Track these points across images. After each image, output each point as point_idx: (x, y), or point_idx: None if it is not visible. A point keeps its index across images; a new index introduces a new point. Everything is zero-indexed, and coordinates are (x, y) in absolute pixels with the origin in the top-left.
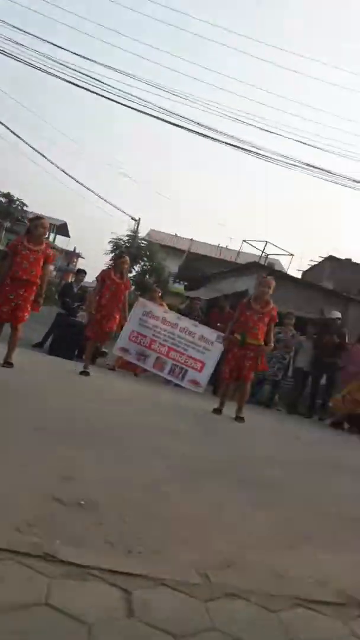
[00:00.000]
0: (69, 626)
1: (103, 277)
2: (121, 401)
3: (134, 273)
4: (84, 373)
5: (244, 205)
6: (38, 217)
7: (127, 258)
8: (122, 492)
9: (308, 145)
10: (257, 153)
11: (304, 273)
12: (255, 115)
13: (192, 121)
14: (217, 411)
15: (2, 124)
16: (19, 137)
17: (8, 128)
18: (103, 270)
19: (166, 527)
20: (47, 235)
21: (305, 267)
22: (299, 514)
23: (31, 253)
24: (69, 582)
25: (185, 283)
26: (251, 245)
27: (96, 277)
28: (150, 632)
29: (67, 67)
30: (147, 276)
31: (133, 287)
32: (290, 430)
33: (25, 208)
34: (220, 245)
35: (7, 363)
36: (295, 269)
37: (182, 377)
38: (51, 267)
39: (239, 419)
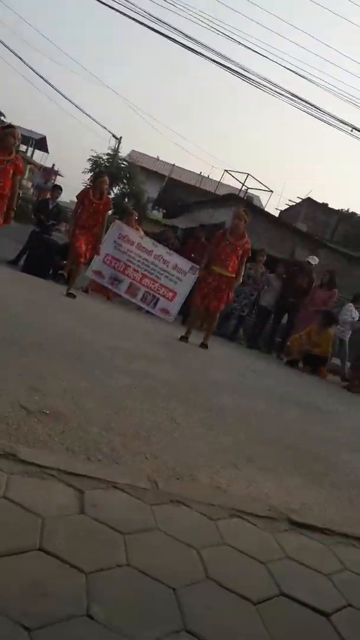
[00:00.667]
0: (24, 518)
1: (82, 197)
2: (92, 323)
3: (112, 195)
4: (70, 295)
5: (230, 133)
6: (9, 126)
7: (107, 178)
8: (85, 404)
9: (293, 72)
10: (243, 75)
11: (281, 212)
12: (246, 34)
13: (185, 35)
14: (184, 339)
15: None
16: None
17: None
18: (82, 190)
19: (124, 439)
20: (17, 145)
21: (283, 207)
22: (245, 438)
23: (0, 163)
24: (28, 479)
25: (164, 210)
26: (232, 176)
27: (76, 196)
28: (99, 527)
29: None
30: (126, 199)
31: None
32: (248, 363)
33: (2, 118)
34: (202, 173)
35: None
36: (273, 207)
37: (154, 305)
38: (21, 179)
39: (203, 345)
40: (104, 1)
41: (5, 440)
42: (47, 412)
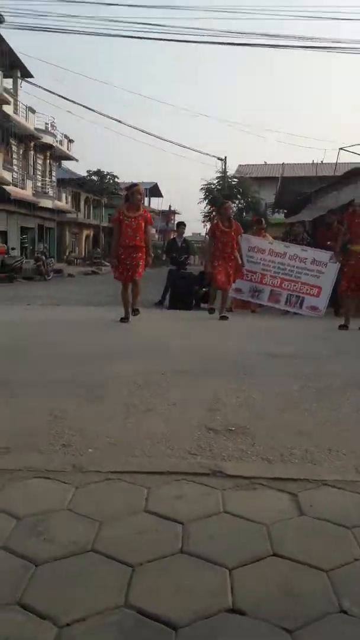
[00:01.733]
0: (250, 528)
1: (213, 231)
2: (247, 336)
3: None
4: (223, 318)
5: (332, 112)
6: (132, 185)
7: (230, 203)
8: (265, 414)
9: None
10: (333, 48)
11: None
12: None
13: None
14: (343, 327)
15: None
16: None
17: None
18: (211, 225)
19: (313, 439)
20: (143, 201)
21: None
22: None
23: (133, 220)
24: (240, 492)
25: (285, 211)
26: (349, 151)
27: (206, 234)
28: (323, 525)
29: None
30: (244, 213)
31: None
32: None
33: (116, 180)
34: (315, 161)
35: (135, 310)
36: None
37: (300, 305)
38: (152, 230)
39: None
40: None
41: (209, 460)
42: (233, 428)
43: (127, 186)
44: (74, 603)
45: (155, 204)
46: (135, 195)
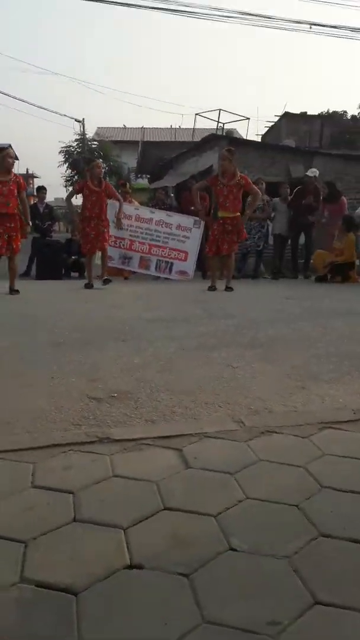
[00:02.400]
0: (140, 487)
1: (81, 188)
2: (121, 304)
3: None
4: (88, 286)
5: (187, 76)
6: (2, 148)
7: (99, 161)
8: (145, 377)
9: None
10: (185, 12)
11: (263, 136)
12: None
13: None
14: (212, 289)
15: None
16: None
17: None
18: (78, 182)
19: (193, 397)
20: (14, 162)
21: (263, 130)
22: (303, 361)
23: (3, 185)
24: (128, 454)
25: (148, 176)
26: (205, 117)
27: (73, 189)
28: (208, 475)
29: None
30: (108, 178)
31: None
32: (279, 292)
33: None
34: (173, 126)
35: (14, 290)
36: (254, 135)
37: (170, 270)
38: (23, 195)
39: (228, 289)
40: None
41: (94, 429)
42: (115, 395)
43: None
44: None
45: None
46: (6, 158)
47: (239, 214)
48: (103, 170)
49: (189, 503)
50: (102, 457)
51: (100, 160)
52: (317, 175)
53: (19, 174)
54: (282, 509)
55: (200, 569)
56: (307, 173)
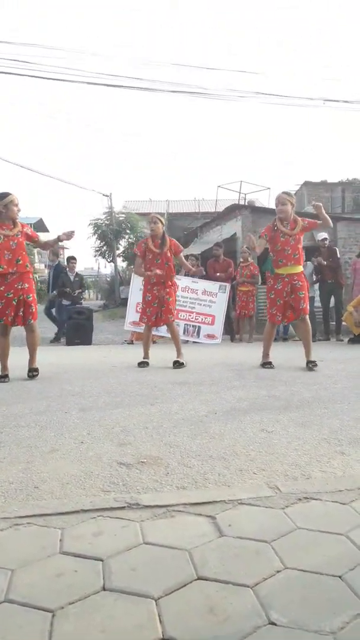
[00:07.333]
0: (172, 555)
1: (141, 250)
2: (151, 367)
3: (121, 249)
4: (143, 364)
5: (209, 152)
6: (4, 194)
7: (156, 215)
8: (176, 441)
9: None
10: (202, 93)
11: None
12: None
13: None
14: (267, 365)
15: None
16: None
17: None
18: (138, 243)
19: (225, 462)
20: (20, 211)
21: None
22: (340, 425)
23: (9, 239)
24: (158, 521)
25: None
26: (226, 189)
27: (134, 252)
28: (244, 543)
29: None
30: (135, 248)
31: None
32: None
33: None
34: (197, 198)
35: (32, 370)
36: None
37: (198, 334)
38: (42, 238)
39: (311, 364)
40: None
41: (123, 495)
42: (144, 460)
43: None
44: None
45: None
46: (10, 206)
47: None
48: (126, 243)
49: (224, 573)
50: (132, 523)
51: (128, 231)
52: (324, 237)
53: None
54: (323, 579)
55: None
56: (317, 238)
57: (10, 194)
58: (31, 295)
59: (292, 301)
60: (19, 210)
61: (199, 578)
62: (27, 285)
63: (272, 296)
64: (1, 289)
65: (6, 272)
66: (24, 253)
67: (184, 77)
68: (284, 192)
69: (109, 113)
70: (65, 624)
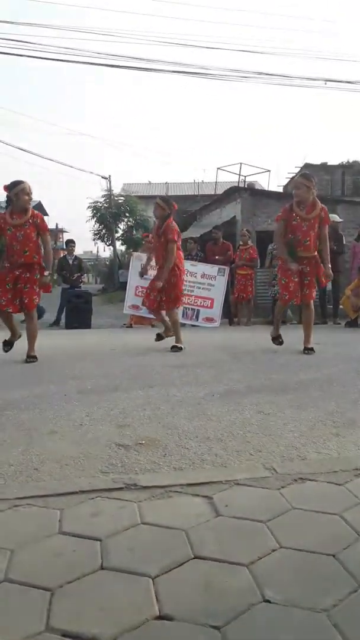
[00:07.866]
0: (169, 535)
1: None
2: (149, 350)
3: (120, 232)
4: (159, 336)
5: (209, 134)
6: (16, 182)
7: (159, 200)
8: (173, 423)
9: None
10: (203, 74)
11: (284, 188)
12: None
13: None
14: (278, 340)
15: None
16: None
17: None
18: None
19: (223, 443)
20: (31, 200)
21: (284, 182)
22: (336, 406)
23: (18, 230)
24: (156, 502)
25: None
26: (226, 171)
27: (147, 242)
28: (240, 523)
29: None
30: (134, 231)
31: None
32: None
33: None
34: (196, 181)
35: (30, 357)
36: (276, 186)
37: (196, 317)
38: (48, 237)
39: (307, 350)
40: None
41: (121, 476)
42: (143, 442)
43: (6, 185)
44: None
45: None
46: (21, 195)
47: (317, 253)
48: (125, 226)
49: (220, 552)
50: (130, 504)
51: (127, 214)
52: (339, 220)
53: (51, 229)
54: (317, 558)
55: (232, 621)
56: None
57: (21, 182)
58: (29, 285)
59: (304, 285)
60: (30, 199)
61: (196, 557)
62: (29, 275)
63: (280, 277)
64: (7, 278)
65: (15, 261)
66: (31, 245)
67: (185, 57)
68: (301, 175)
69: (109, 94)
70: (64, 602)
